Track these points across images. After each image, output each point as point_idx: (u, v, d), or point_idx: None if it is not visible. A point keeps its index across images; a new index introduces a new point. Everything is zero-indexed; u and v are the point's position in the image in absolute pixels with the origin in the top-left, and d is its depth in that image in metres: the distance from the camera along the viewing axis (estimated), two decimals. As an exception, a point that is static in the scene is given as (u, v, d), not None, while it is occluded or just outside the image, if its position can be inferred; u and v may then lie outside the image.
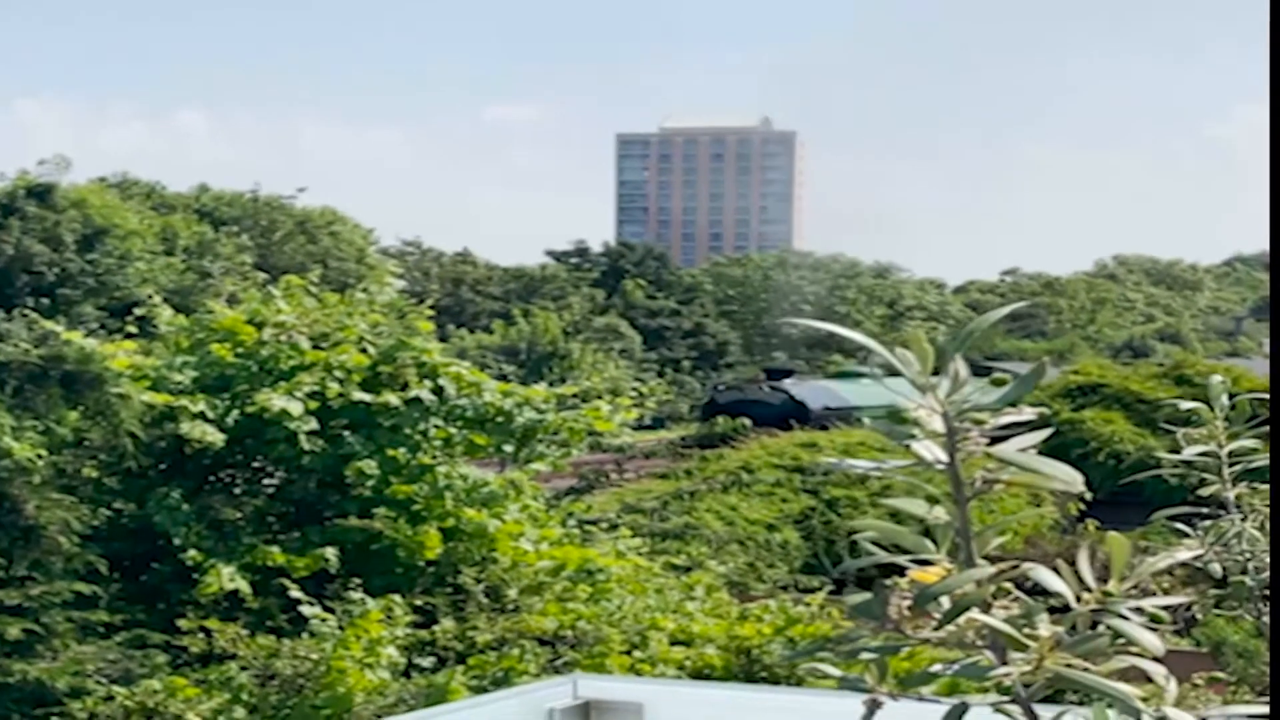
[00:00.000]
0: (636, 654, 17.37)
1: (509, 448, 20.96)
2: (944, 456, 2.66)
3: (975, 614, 2.59)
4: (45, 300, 57.82)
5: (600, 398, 22.39)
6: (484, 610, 18.33)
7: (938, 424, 2.68)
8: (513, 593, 19.02)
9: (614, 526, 25.84)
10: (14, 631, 14.95)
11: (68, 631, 15.70)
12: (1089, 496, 29.70)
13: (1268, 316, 2.93)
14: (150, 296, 22.80)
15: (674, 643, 17.88)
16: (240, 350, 20.00)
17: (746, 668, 17.30)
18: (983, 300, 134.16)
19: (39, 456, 17.85)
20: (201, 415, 18.95)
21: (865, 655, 2.77)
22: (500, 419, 20.38)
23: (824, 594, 21.46)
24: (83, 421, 18.39)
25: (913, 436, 2.71)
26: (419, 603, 18.08)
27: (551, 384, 22.81)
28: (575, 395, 22.42)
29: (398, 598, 17.21)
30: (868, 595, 2.76)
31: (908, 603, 2.70)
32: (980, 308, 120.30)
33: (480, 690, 15.03)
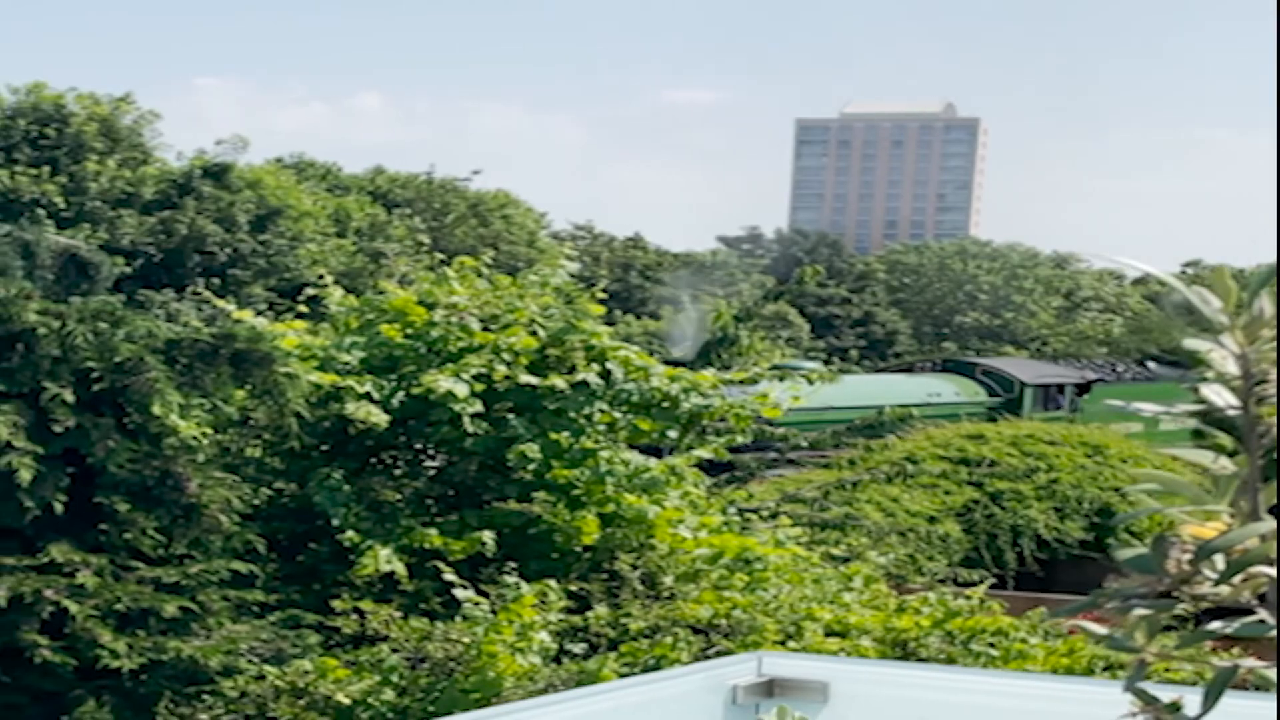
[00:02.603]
0: (791, 644, 17.27)
1: (673, 433, 20.84)
2: (1236, 401, 2.57)
3: (1260, 569, 2.51)
4: (215, 280, 58.55)
5: (768, 382, 22.28)
6: (638, 597, 18.28)
7: (1232, 366, 2.58)
8: (668, 580, 18.95)
9: (774, 515, 25.76)
10: (170, 609, 15.12)
11: (223, 610, 15.85)
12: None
13: None
14: (321, 277, 22.98)
15: (829, 633, 17.76)
16: (410, 331, 19.98)
17: (902, 661, 17.17)
18: (1162, 292, 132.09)
19: (204, 435, 18.07)
20: (367, 396, 18.96)
21: (1138, 612, 2.68)
22: (666, 404, 20.27)
23: (985, 587, 21.28)
24: (250, 401, 18.55)
25: (1203, 379, 2.60)
26: (573, 588, 18.04)
27: (720, 370, 22.69)
28: (743, 381, 22.32)
29: (552, 583, 17.17)
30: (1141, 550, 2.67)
31: (1188, 557, 2.62)
32: (1159, 300, 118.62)
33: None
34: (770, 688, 8.72)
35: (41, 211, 59.93)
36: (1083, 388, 63.41)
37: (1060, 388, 62.83)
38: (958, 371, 63.61)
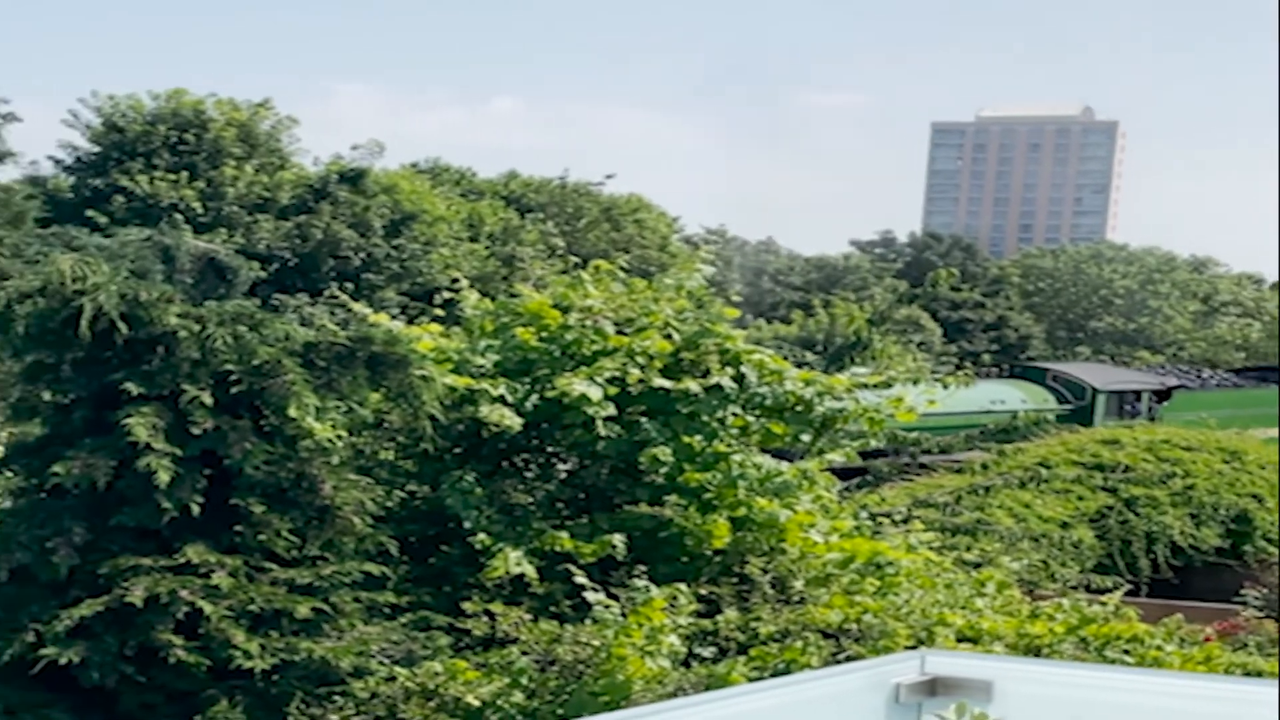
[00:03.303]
0: (922, 650, 17.16)
1: (806, 437, 20.73)
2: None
3: None
4: (349, 285, 58.98)
5: (902, 385, 22.15)
6: (769, 601, 18.24)
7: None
8: (799, 584, 18.90)
9: (905, 520, 25.65)
10: (303, 610, 15.26)
11: (354, 611, 15.96)
12: None
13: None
14: (456, 280, 23.09)
15: (960, 639, 17.63)
16: (544, 334, 20.01)
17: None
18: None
19: (339, 437, 18.23)
20: (501, 399, 19.01)
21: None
22: (800, 407, 20.19)
23: (1119, 594, 21.09)
24: (384, 403, 18.68)
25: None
26: (703, 592, 18.03)
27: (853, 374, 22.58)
28: (876, 385, 22.22)
29: (683, 586, 17.14)
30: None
31: None
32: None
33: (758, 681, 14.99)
34: (933, 686, 8.64)
35: (179, 216, 60.64)
36: (1162, 394, 61.72)
37: (1137, 394, 61.13)
38: (1026, 378, 62.46)
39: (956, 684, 8.65)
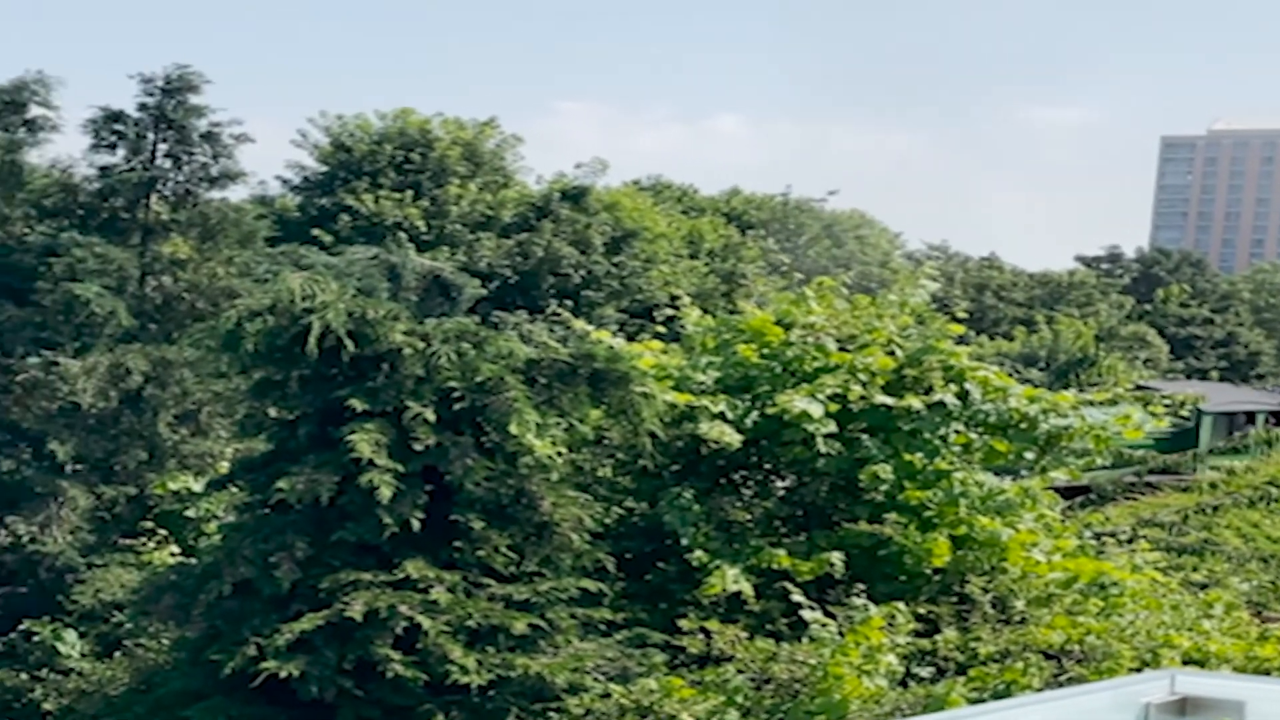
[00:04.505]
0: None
1: (1030, 455, 20.48)
2: None
3: None
4: (569, 302, 59.27)
5: (1129, 404, 21.83)
6: (989, 621, 18.05)
7: None
8: (1020, 604, 18.68)
9: (1130, 539, 25.24)
10: (520, 626, 15.34)
11: (570, 628, 16.02)
12: None
13: None
14: (679, 297, 23.14)
15: (1186, 661, 17.28)
16: (765, 351, 19.98)
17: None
18: None
19: (559, 454, 18.32)
20: (721, 416, 19.01)
21: None
22: (1024, 424, 19.94)
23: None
24: (604, 420, 18.74)
25: None
26: (922, 611, 17.88)
27: (1080, 391, 22.29)
28: (1103, 402, 21.87)
29: (901, 605, 17.03)
30: None
31: None
32: None
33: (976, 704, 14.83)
34: (1183, 706, 8.50)
35: (403, 235, 61.37)
36: None
37: (1250, 415, 57.64)
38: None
39: (1208, 704, 8.47)
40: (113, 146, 29.72)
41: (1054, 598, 18.90)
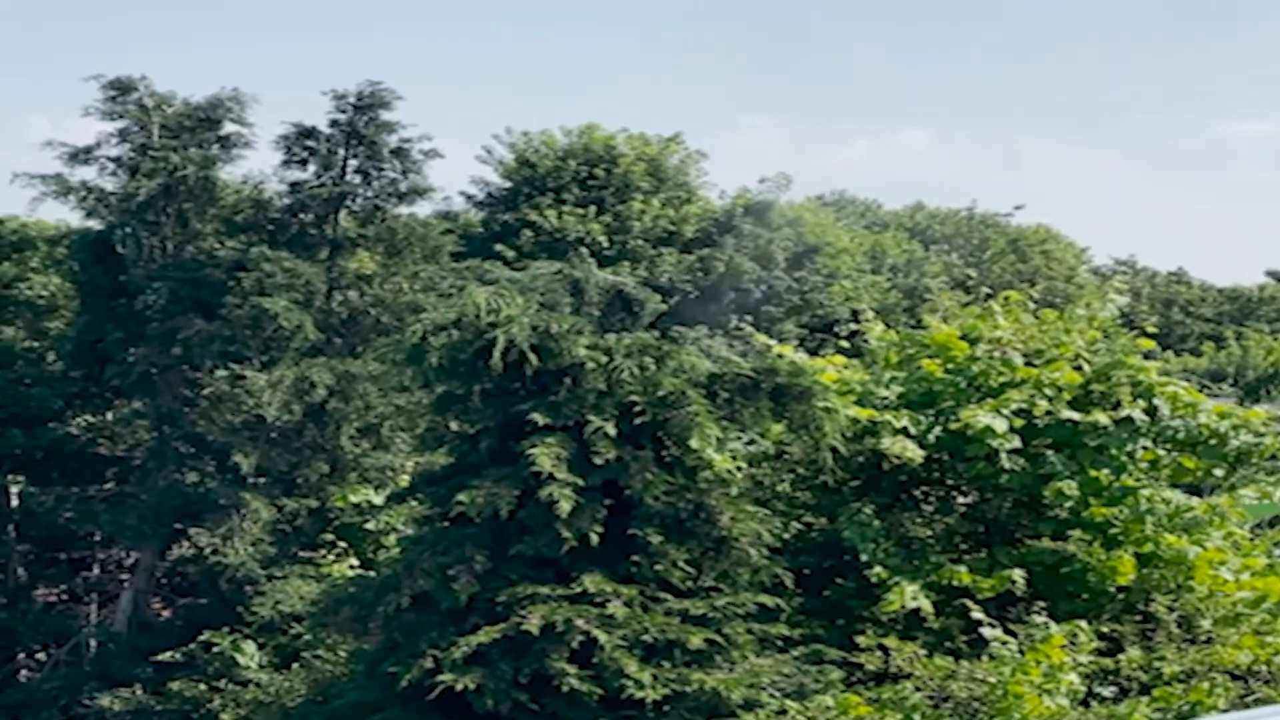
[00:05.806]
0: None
1: (1219, 472, 20.16)
2: None
3: None
4: (748, 317, 59.18)
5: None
6: (1174, 640, 17.78)
7: None
8: (1206, 623, 18.35)
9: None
10: (696, 641, 15.30)
11: (747, 643, 15.95)
12: None
13: None
14: (863, 311, 23.04)
15: (1377, 685, 16.96)
16: (950, 366, 19.82)
17: None
18: None
19: (738, 468, 18.32)
20: (903, 431, 18.86)
21: None
22: (1214, 441, 19.62)
23: None
24: (785, 435, 18.69)
25: None
26: (1105, 629, 17.65)
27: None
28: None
29: (1083, 623, 16.82)
30: None
31: None
32: None
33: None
34: None
35: (585, 250, 61.66)
36: None
37: None
38: None
39: None
40: (304, 162, 30.21)
41: (1242, 617, 18.54)
